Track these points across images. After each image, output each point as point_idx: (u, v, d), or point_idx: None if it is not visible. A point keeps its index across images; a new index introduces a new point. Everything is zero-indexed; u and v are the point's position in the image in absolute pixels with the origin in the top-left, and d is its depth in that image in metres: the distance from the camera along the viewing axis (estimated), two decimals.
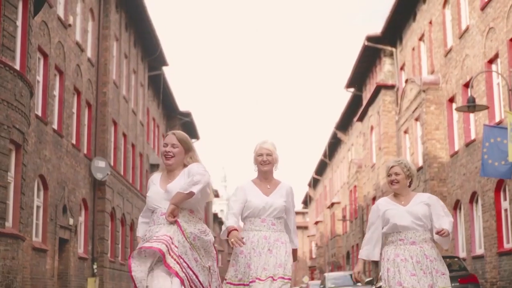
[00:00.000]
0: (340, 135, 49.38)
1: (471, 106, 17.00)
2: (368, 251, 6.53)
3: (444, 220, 6.35)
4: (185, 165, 5.58)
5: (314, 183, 68.46)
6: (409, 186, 6.57)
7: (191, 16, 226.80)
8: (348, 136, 48.44)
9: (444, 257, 19.39)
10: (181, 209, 5.39)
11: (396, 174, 6.49)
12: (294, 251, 6.40)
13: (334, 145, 53.67)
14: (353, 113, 43.51)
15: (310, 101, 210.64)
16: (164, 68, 38.57)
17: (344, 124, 47.79)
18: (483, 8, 21.37)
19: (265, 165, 6.31)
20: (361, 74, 38.80)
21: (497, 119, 20.36)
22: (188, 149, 5.58)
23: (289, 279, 6.10)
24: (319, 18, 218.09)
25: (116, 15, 29.01)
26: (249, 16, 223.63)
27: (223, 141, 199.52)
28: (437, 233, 6.19)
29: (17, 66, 16.13)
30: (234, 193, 6.31)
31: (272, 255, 6.08)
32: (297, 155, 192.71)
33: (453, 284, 16.74)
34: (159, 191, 5.50)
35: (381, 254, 6.53)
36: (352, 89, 41.30)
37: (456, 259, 19.51)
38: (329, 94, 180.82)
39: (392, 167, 6.54)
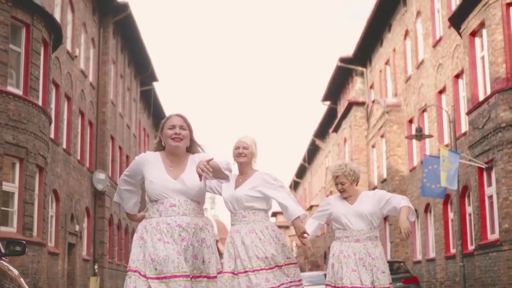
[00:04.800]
0: (318, 142, 51.46)
1: (418, 135, 20.41)
2: (312, 227, 6.80)
3: (396, 198, 6.53)
4: (187, 151, 5.05)
5: (295, 185, 70.36)
6: (356, 185, 6.68)
7: (178, 36, 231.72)
8: (325, 143, 50.48)
9: (391, 262, 22.89)
10: (191, 200, 4.88)
11: (342, 183, 6.59)
12: (296, 220, 6.04)
13: (313, 151, 55.63)
14: (329, 123, 45.95)
15: (291, 110, 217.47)
16: (154, 83, 41.41)
17: (322, 132, 49.97)
18: (434, 46, 24.61)
19: (240, 157, 6.20)
20: (335, 89, 41.75)
21: (446, 142, 23.64)
22: (192, 133, 5.05)
23: (286, 264, 6.10)
24: (297, 37, 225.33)
25: (113, 41, 31.99)
26: (232, 33, 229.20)
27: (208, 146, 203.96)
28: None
29: (40, 102, 19.21)
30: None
31: (246, 246, 6.00)
32: (278, 158, 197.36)
33: (397, 284, 20.33)
34: (168, 179, 4.84)
35: (329, 248, 6.82)
36: (328, 102, 44.33)
37: (402, 263, 22.81)
38: (308, 105, 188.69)
39: (336, 177, 6.59)
